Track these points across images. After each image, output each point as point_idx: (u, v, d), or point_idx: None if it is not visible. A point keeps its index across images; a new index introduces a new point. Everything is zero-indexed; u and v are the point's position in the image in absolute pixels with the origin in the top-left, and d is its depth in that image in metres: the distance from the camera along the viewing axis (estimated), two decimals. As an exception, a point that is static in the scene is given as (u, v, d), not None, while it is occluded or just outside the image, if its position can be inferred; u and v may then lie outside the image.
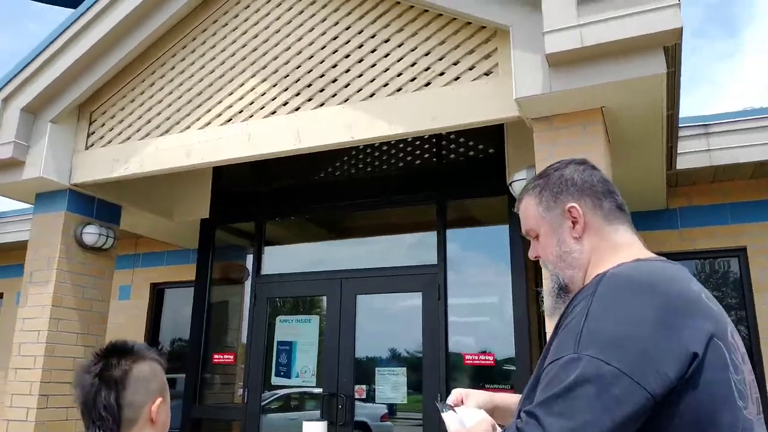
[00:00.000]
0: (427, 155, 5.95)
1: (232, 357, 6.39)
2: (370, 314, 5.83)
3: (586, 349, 1.00)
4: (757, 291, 5.81)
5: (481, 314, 5.48)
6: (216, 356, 6.44)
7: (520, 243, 5.32)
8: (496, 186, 5.30)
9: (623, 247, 1.25)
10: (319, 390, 5.75)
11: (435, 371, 5.25)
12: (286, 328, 6.14)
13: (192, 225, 6.92)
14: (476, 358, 5.27)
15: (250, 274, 6.50)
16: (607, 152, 4.07)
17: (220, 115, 5.11)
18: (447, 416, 1.41)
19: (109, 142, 5.62)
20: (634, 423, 0.98)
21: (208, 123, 5.14)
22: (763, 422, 1.10)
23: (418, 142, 5.97)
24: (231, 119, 5.04)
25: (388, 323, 5.77)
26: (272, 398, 6.03)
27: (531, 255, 1.42)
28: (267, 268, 6.45)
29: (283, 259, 6.79)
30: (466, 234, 5.85)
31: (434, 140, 5.88)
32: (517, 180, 4.47)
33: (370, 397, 5.55)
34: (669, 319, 1.02)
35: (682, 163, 5.70)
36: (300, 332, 6.07)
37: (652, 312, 1.02)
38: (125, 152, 5.45)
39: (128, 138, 5.52)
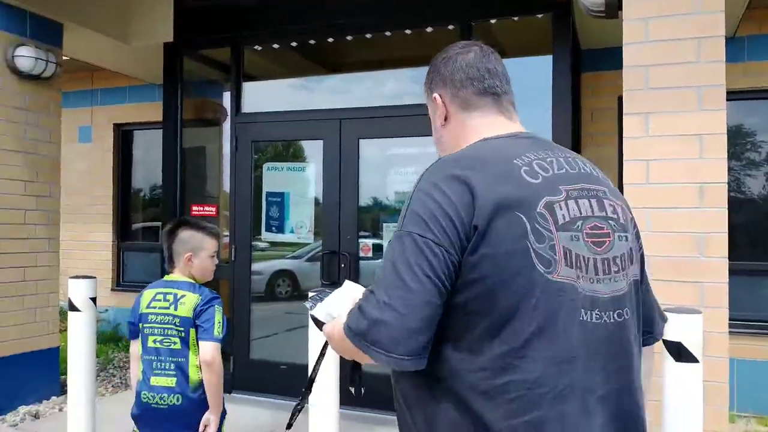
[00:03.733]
0: (449, -40, 4.67)
1: (213, 209, 5.50)
2: (375, 163, 4.88)
3: (406, 226, 1.14)
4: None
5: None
6: (195, 208, 5.54)
7: (566, 77, 4.28)
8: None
9: (475, 131, 1.33)
10: (317, 246, 4.95)
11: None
12: (276, 177, 5.20)
13: (155, 52, 5.67)
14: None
15: (228, 114, 5.43)
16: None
17: None
18: (315, 312, 1.38)
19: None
20: (442, 276, 1.09)
21: None
22: (612, 279, 1.17)
23: (438, -57, 4.66)
24: None
25: (396, 173, 4.84)
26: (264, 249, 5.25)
27: None
28: (249, 106, 5.37)
29: (268, 95, 5.68)
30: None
31: (460, -61, 4.57)
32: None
33: (379, 256, 4.78)
34: (457, 196, 1.12)
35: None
36: (292, 182, 5.15)
37: (443, 191, 1.13)
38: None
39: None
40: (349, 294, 1.34)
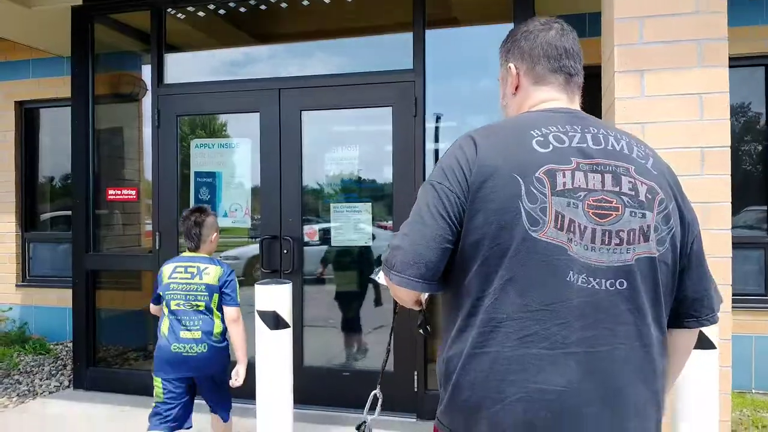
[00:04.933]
0: None
1: (133, 192, 4.91)
2: (320, 136, 4.46)
3: (431, 177, 1.33)
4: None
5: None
6: (111, 192, 4.94)
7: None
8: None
9: (534, 105, 1.42)
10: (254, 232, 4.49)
11: (407, 207, 4.07)
12: (206, 155, 4.67)
13: (61, 18, 4.99)
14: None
15: (149, 87, 4.85)
16: None
17: None
18: (378, 278, 1.67)
19: None
20: (452, 216, 1.26)
21: None
22: (611, 250, 1.22)
23: None
24: None
25: (345, 149, 4.44)
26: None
27: None
28: (173, 78, 4.81)
29: (195, 67, 5.13)
30: (454, 36, 4.46)
31: None
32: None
33: (325, 241, 4.37)
34: (470, 154, 1.28)
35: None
36: (225, 160, 4.64)
37: (462, 149, 1.31)
38: None
39: None
40: None
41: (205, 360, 3.06)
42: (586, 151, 1.27)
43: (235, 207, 4.54)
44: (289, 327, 2.95)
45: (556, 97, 1.41)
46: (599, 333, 1.20)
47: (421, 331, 1.73)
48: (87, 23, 4.91)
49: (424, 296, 1.53)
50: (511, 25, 4.05)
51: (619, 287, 1.22)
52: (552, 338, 1.19)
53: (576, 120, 1.34)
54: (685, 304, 1.35)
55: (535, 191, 1.21)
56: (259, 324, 2.95)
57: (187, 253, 3.22)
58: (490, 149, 1.27)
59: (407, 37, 4.21)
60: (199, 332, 3.04)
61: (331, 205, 4.35)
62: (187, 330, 3.04)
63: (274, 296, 2.92)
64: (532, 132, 1.29)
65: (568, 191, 1.22)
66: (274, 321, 2.89)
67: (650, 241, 1.25)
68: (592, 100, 5.10)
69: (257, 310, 2.97)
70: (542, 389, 1.18)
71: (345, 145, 4.41)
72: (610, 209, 1.23)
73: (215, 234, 3.25)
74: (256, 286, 3.04)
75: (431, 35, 4.21)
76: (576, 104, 1.43)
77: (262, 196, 4.42)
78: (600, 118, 3.64)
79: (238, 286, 3.11)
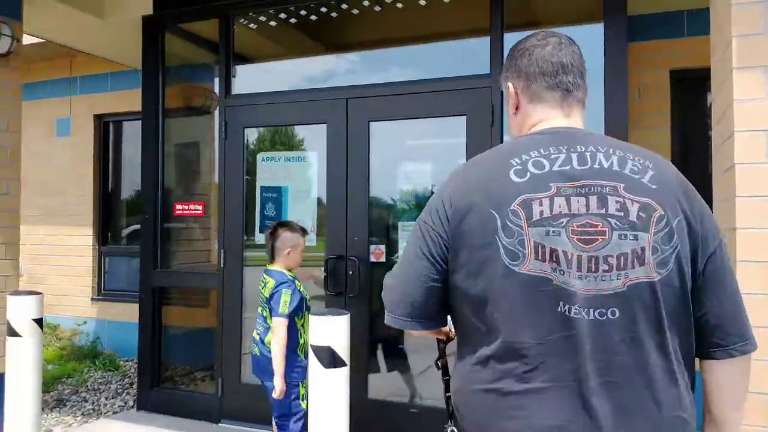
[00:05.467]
0: None
1: (200, 207, 4.75)
2: (389, 149, 4.13)
3: (421, 214, 1.33)
4: None
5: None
6: (179, 207, 4.81)
7: (621, 48, 3.52)
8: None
9: (530, 125, 1.39)
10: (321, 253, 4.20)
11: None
12: (272, 168, 4.45)
13: (134, 29, 4.93)
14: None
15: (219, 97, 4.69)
16: None
17: None
18: None
19: None
20: (436, 255, 1.27)
21: None
22: (598, 277, 1.15)
23: None
24: None
25: (415, 161, 4.09)
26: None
27: None
28: (240, 87, 4.63)
29: (263, 77, 4.95)
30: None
31: None
32: None
33: (392, 262, 4.03)
34: (451, 191, 1.29)
35: None
36: (291, 174, 4.39)
37: (447, 186, 1.32)
38: None
39: None
40: None
41: (256, 362, 3.37)
42: (570, 174, 1.22)
43: (301, 223, 4.27)
44: (346, 365, 2.59)
45: (552, 115, 1.37)
46: (594, 365, 1.15)
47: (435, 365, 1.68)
48: (158, 33, 4.83)
49: (447, 328, 1.46)
50: (600, 26, 3.59)
51: (610, 316, 1.15)
52: (549, 372, 1.16)
53: (563, 140, 1.28)
54: (707, 330, 1.24)
55: (510, 225, 1.19)
56: (313, 361, 2.61)
57: (268, 266, 3.42)
58: (469, 185, 1.27)
59: (484, 42, 3.82)
60: (258, 335, 3.37)
61: (400, 223, 4.00)
62: (255, 331, 3.40)
63: (330, 329, 2.59)
64: (511, 161, 1.26)
65: (545, 220, 1.19)
66: (330, 358, 2.56)
67: (647, 264, 1.16)
68: (698, 105, 4.54)
69: (311, 345, 2.64)
70: (543, 425, 1.15)
71: (415, 158, 4.07)
72: (596, 234, 1.18)
73: (289, 249, 3.34)
74: (310, 317, 2.72)
75: (510, 39, 3.80)
76: (574, 120, 1.37)
77: (327, 213, 4.14)
78: (711, 125, 3.13)
79: (287, 296, 3.17)
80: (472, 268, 1.21)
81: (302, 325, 3.29)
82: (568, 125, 1.35)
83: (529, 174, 1.22)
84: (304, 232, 3.49)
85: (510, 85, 1.42)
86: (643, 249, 1.16)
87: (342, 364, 2.57)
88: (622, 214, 1.18)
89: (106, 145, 6.69)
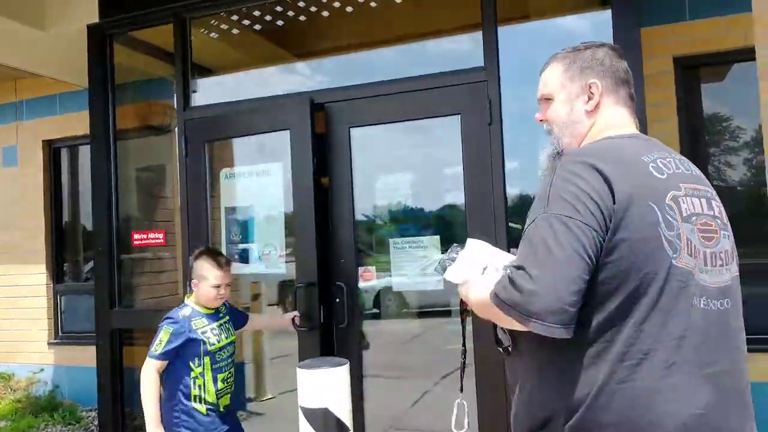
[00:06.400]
0: None
1: (161, 236, 4.21)
2: (372, 159, 3.65)
3: (552, 209, 1.24)
4: None
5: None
6: (137, 236, 4.26)
7: (632, 33, 3.12)
8: None
9: (611, 128, 1.42)
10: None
11: (484, 238, 3.17)
12: (237, 186, 3.93)
13: (82, 43, 4.40)
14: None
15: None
16: None
17: None
18: (448, 276, 1.48)
19: None
20: (591, 254, 1.19)
21: None
22: (717, 271, 1.27)
23: None
24: None
25: (402, 171, 3.62)
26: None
27: (537, 117, 1.56)
28: (202, 98, 4.12)
29: (226, 84, 4.47)
30: (532, 31, 3.63)
31: None
32: None
33: (384, 285, 3.53)
34: (598, 183, 1.22)
35: None
36: (259, 191, 3.86)
37: (584, 178, 1.24)
38: None
39: None
40: (477, 253, 1.46)
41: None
42: (684, 176, 1.32)
43: (268, 248, 3.74)
44: (349, 431, 2.04)
45: (629, 122, 1.44)
46: (724, 350, 1.25)
47: (500, 349, 1.48)
48: (105, 43, 4.31)
49: None
50: (607, 13, 3.18)
51: (727, 306, 1.27)
52: (690, 363, 1.21)
53: (657, 145, 1.38)
54: None
55: (670, 218, 1.23)
56: (305, 427, 2.05)
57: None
58: (619, 177, 1.24)
59: (475, 37, 3.39)
60: None
61: (390, 240, 3.50)
62: None
63: (325, 386, 2.03)
64: (643, 158, 1.30)
65: (688, 217, 1.26)
66: (328, 424, 1.99)
67: (733, 260, 1.33)
68: (708, 93, 4.16)
69: (300, 406, 2.09)
70: (695, 414, 1.19)
71: (400, 166, 3.59)
72: (712, 232, 1.29)
73: (195, 280, 2.81)
74: (297, 370, 2.17)
75: (504, 32, 3.37)
76: (635, 127, 1.46)
77: (296, 233, 3.57)
78: (759, 110, 2.73)
79: (164, 334, 2.67)
80: (636, 261, 1.19)
81: (201, 374, 2.71)
82: (638, 132, 1.43)
83: (665, 173, 1.28)
84: (226, 262, 2.85)
85: (595, 82, 1.43)
86: (733, 247, 1.34)
87: (344, 429, 2.01)
88: (721, 216, 1.33)
89: (59, 173, 6.09)
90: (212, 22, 4.13)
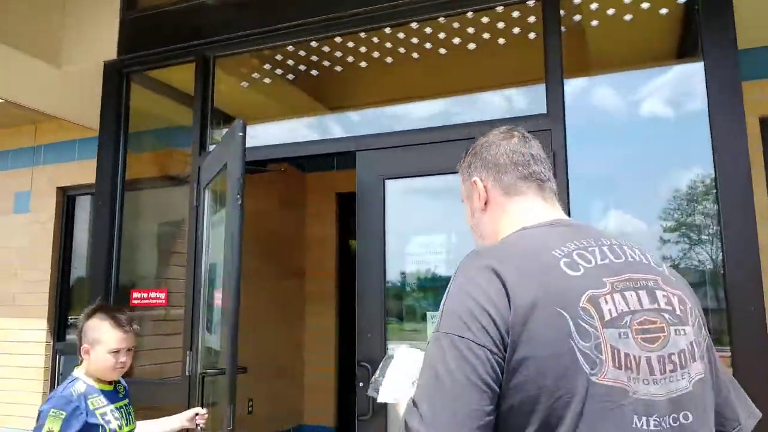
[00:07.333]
0: None
1: (163, 296, 3.71)
2: (411, 214, 3.13)
3: (443, 325, 1.03)
4: None
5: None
6: (136, 295, 3.76)
7: (733, 89, 2.61)
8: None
9: (516, 218, 1.24)
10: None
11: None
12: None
13: (99, 83, 4.07)
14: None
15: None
16: None
17: None
18: (381, 398, 1.32)
19: None
20: (488, 379, 0.97)
21: None
22: (668, 378, 1.03)
23: None
24: None
25: (445, 228, 3.09)
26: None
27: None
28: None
29: (252, 133, 4.05)
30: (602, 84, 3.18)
31: None
32: None
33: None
34: (495, 291, 1.01)
35: None
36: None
37: (480, 285, 1.02)
38: None
39: None
40: (407, 365, 1.31)
41: None
42: (613, 267, 1.08)
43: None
44: None
45: (536, 206, 1.24)
46: None
47: None
48: (121, 82, 3.96)
49: None
50: (699, 65, 2.69)
51: (683, 421, 1.02)
52: None
53: (582, 233, 1.15)
54: (721, 420, 1.17)
55: (584, 325, 1.00)
56: None
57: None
58: (519, 279, 1.01)
59: (536, 90, 2.94)
60: None
61: (428, 314, 2.94)
62: None
63: None
64: (554, 253, 1.07)
65: (615, 319, 1.02)
66: None
67: (697, 359, 1.08)
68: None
69: None
70: None
71: (443, 222, 3.07)
72: (656, 331, 1.04)
73: (87, 346, 2.24)
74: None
75: (570, 84, 2.92)
76: (560, 211, 1.25)
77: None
78: None
79: (52, 426, 2.04)
80: (545, 383, 0.95)
81: None
82: (561, 217, 1.23)
83: (581, 267, 1.06)
84: (128, 322, 2.31)
85: (477, 180, 1.29)
86: (692, 343, 1.08)
87: None
88: (670, 308, 1.08)
89: (71, 223, 5.72)
90: (232, 53, 3.74)
